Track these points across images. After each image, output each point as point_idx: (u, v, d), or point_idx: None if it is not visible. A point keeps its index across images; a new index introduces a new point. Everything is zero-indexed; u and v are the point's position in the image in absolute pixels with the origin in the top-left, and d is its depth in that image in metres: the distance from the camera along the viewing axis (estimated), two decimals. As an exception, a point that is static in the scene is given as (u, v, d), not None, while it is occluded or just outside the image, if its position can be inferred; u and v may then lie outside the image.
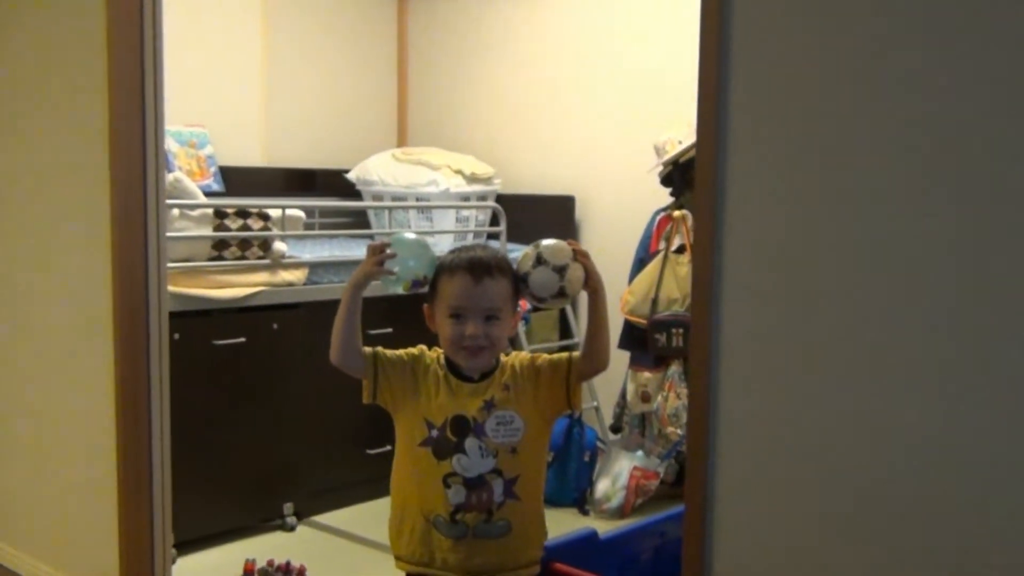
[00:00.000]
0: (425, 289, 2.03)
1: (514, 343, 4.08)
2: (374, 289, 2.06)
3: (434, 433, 1.97)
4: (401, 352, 2.05)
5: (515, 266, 2.03)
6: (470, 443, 1.95)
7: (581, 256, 2.00)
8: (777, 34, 1.56)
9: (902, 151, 1.44)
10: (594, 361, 2.01)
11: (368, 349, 2.02)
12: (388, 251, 1.97)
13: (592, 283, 2.00)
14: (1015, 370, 1.36)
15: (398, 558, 2.03)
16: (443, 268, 2.00)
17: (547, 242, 2.01)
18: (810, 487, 1.55)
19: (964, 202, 1.39)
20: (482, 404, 1.97)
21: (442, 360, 2.03)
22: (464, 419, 1.96)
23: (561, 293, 1.99)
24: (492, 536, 1.96)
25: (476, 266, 1.96)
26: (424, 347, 2.07)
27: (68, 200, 2.66)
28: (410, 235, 2.06)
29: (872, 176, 1.47)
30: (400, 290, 2.01)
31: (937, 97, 1.41)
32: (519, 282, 2.01)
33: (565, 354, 2.05)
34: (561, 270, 1.97)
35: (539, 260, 1.99)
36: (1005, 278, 1.37)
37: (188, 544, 3.32)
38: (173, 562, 2.95)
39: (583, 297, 2.04)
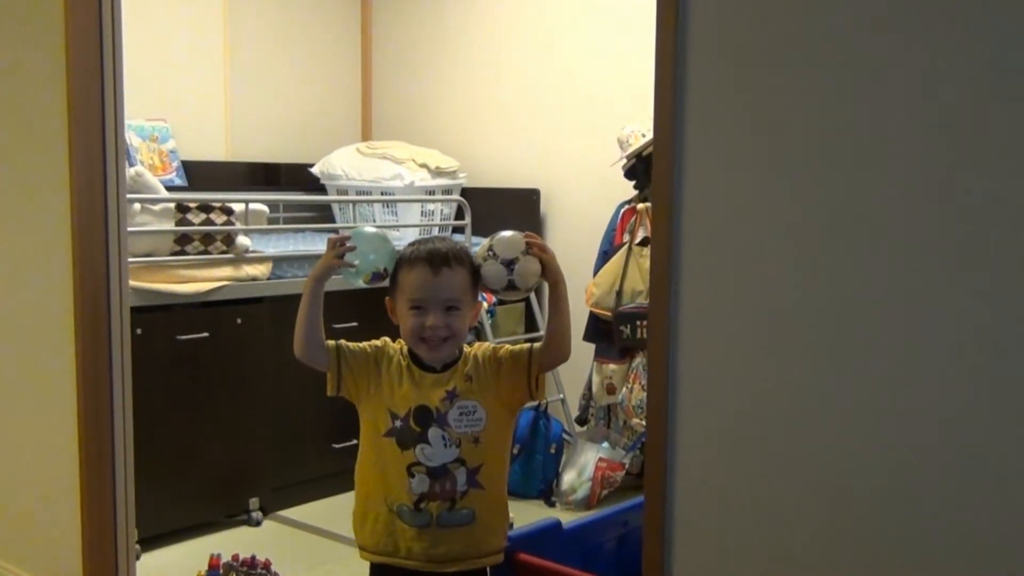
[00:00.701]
0: (386, 282, 2.04)
1: (479, 336, 4.10)
2: (338, 284, 2.07)
3: (398, 423, 1.98)
4: (364, 344, 2.06)
5: (475, 256, 2.05)
6: (433, 433, 1.97)
7: (537, 249, 2.01)
8: (733, 26, 1.58)
9: (862, 135, 1.46)
10: (555, 352, 2.03)
11: (331, 342, 2.03)
12: (348, 244, 1.98)
13: (551, 276, 2.01)
14: (983, 350, 1.39)
15: (362, 548, 2.04)
16: (403, 261, 2.02)
17: (501, 235, 2.03)
18: (770, 475, 1.58)
19: (926, 176, 1.42)
20: (444, 395, 1.98)
21: (405, 351, 2.04)
22: (427, 409, 1.98)
23: (511, 286, 2.00)
24: (456, 525, 1.97)
25: (435, 258, 1.97)
26: (387, 339, 2.08)
27: (27, 195, 2.63)
28: (370, 229, 2.07)
29: (830, 162, 1.49)
30: (361, 283, 2.02)
31: (895, 76, 1.43)
32: (477, 274, 2.03)
33: (527, 345, 2.07)
34: (510, 264, 1.98)
35: (490, 252, 2.01)
36: (965, 256, 1.39)
37: (152, 540, 3.30)
38: (137, 558, 2.94)
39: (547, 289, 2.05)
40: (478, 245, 2.13)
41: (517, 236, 2.02)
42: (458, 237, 4.19)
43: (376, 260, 1.99)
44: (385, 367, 2.03)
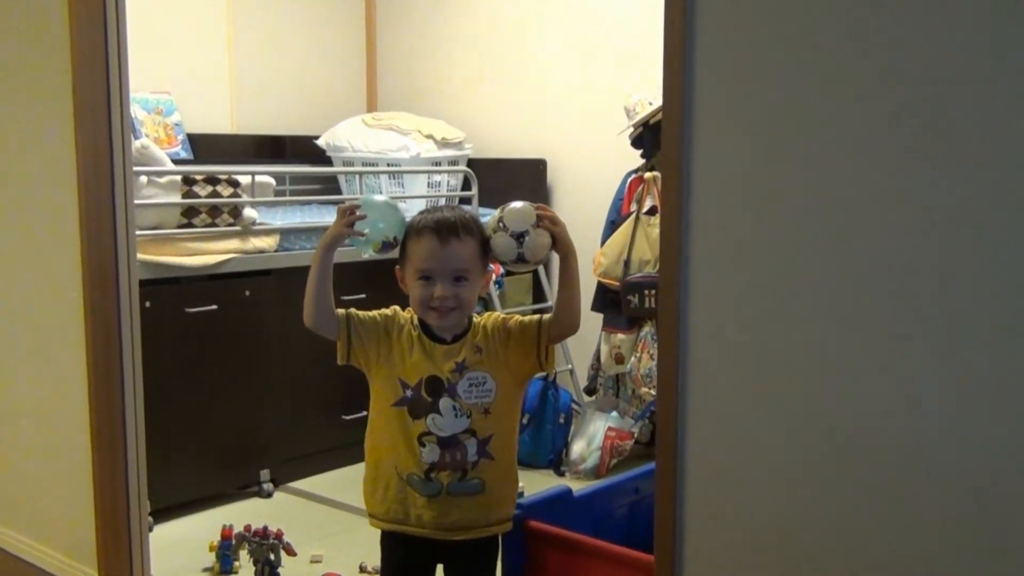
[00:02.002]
0: (395, 252, 2.04)
1: (487, 306, 4.10)
2: (347, 255, 2.07)
3: (408, 393, 1.99)
4: (374, 313, 2.06)
5: (485, 226, 2.04)
6: (444, 403, 1.97)
7: (548, 222, 2.00)
8: (743, -9, 1.56)
9: (878, 106, 1.45)
10: (564, 325, 2.02)
11: (341, 311, 2.04)
12: (358, 212, 1.98)
13: (562, 249, 2.00)
14: (994, 331, 1.38)
15: (372, 516, 2.05)
16: (411, 230, 2.01)
17: (513, 205, 2.01)
18: (780, 441, 1.58)
19: (940, 143, 1.41)
20: (454, 366, 1.99)
21: (415, 320, 2.04)
22: (438, 380, 1.98)
23: (520, 259, 1.99)
24: (466, 494, 1.98)
25: (443, 227, 1.97)
26: (398, 308, 2.08)
27: (34, 169, 2.63)
28: (379, 197, 2.07)
29: (842, 128, 1.48)
30: (370, 252, 2.02)
31: (910, 52, 1.42)
32: (486, 244, 2.02)
33: (536, 316, 2.06)
34: (520, 236, 1.97)
35: (500, 224, 1.99)
36: (973, 222, 1.39)
37: (164, 512, 3.32)
38: (150, 530, 2.96)
39: (557, 261, 2.04)
40: (485, 216, 2.12)
41: (528, 208, 2.01)
42: (465, 208, 4.18)
43: (386, 229, 1.99)
44: (396, 336, 2.03)
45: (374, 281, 3.34)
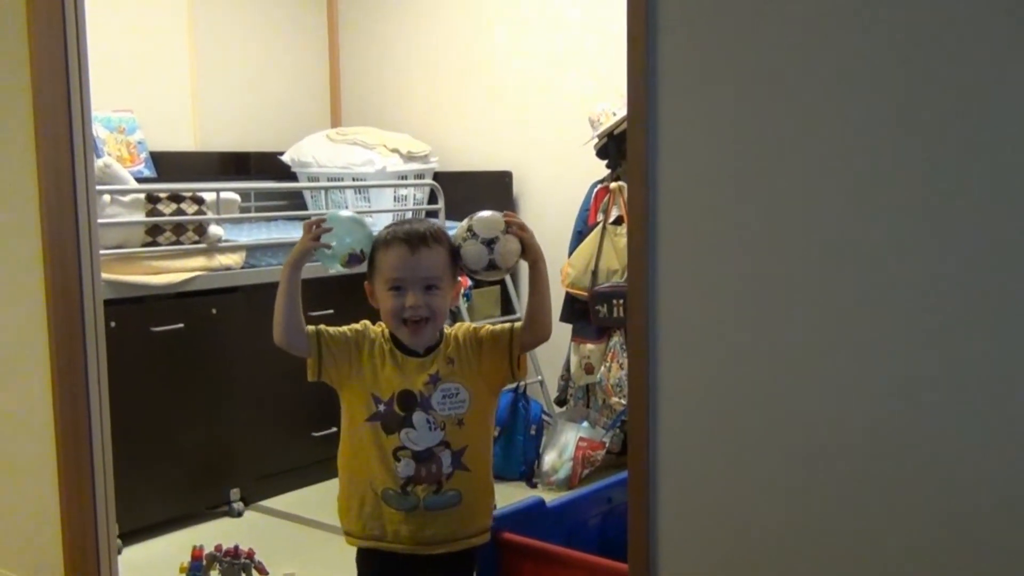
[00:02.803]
0: (363, 266, 2.03)
1: (456, 319, 4.09)
2: (315, 270, 2.06)
3: (381, 408, 1.98)
4: (344, 328, 2.06)
5: (453, 237, 2.04)
6: (418, 417, 1.97)
7: (517, 228, 2.00)
8: (705, 1, 1.57)
9: (837, 102, 1.47)
10: (535, 331, 2.03)
11: (311, 327, 2.03)
12: (324, 226, 1.98)
13: (531, 255, 2.01)
14: (960, 314, 1.40)
15: (348, 534, 2.04)
16: (379, 242, 2.01)
17: (481, 214, 2.02)
18: (753, 448, 1.59)
19: (903, 140, 1.43)
20: (428, 378, 1.98)
21: (387, 334, 2.03)
22: (411, 394, 1.97)
23: (492, 266, 2.00)
24: (442, 507, 1.98)
25: (412, 237, 1.97)
26: (368, 322, 2.08)
27: (-6, 189, 2.60)
28: (345, 212, 2.07)
29: (805, 131, 1.50)
30: (338, 267, 2.01)
31: (871, 42, 1.44)
32: (455, 254, 2.02)
33: (507, 324, 2.06)
34: (490, 243, 1.98)
35: (470, 232, 2.00)
36: (940, 222, 1.40)
37: (133, 534, 3.28)
38: (119, 552, 2.92)
39: (525, 271, 2.05)
40: (452, 229, 2.12)
41: (496, 215, 2.02)
42: (432, 221, 4.17)
43: (352, 243, 1.99)
44: (367, 351, 2.02)
45: (343, 296, 3.32)
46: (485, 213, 2.02)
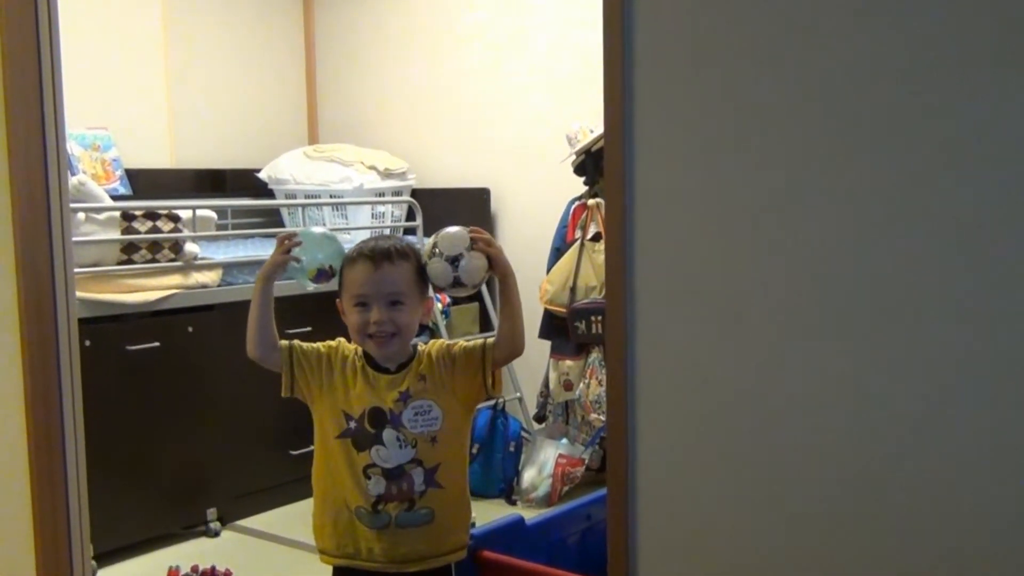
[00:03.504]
0: (334, 282, 2.03)
1: (434, 336, 4.08)
2: (292, 288, 2.05)
3: (352, 425, 1.97)
4: (318, 344, 2.05)
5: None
6: (388, 434, 1.96)
7: (483, 244, 2.00)
8: (680, 19, 1.58)
9: (811, 120, 1.48)
10: (509, 346, 2.02)
11: (284, 342, 2.03)
12: (295, 240, 1.99)
13: (499, 270, 2.01)
14: (948, 332, 1.41)
15: (323, 552, 2.03)
16: (347, 260, 2.02)
17: (445, 231, 2.02)
18: (732, 464, 1.59)
19: (876, 157, 1.44)
20: (398, 395, 1.98)
21: (360, 352, 2.03)
22: (381, 411, 1.97)
23: (457, 283, 1.99)
24: (415, 524, 1.96)
25: (376, 253, 1.98)
26: (343, 339, 2.07)
27: (-33, 207, 2.57)
28: (318, 229, 2.08)
29: (782, 147, 1.50)
30: (309, 283, 2.02)
31: (840, 63, 1.45)
32: (423, 270, 2.02)
33: (480, 340, 2.06)
34: (454, 260, 1.97)
35: (434, 249, 2.00)
36: (918, 238, 1.41)
37: (109, 555, 3.25)
38: (94, 574, 2.89)
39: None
40: (427, 245, 2.12)
41: (461, 232, 2.01)
42: (410, 238, 4.17)
43: (323, 259, 2.00)
44: (339, 367, 2.02)
45: (320, 313, 3.30)
46: (451, 229, 2.02)
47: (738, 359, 1.56)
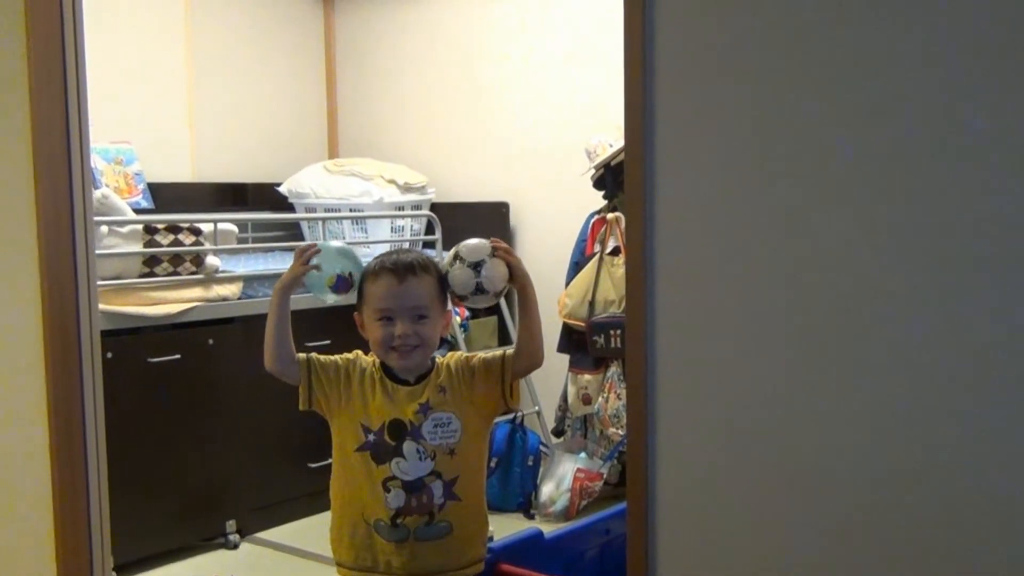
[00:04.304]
0: (352, 291, 2.04)
1: (452, 349, 4.08)
2: (312, 302, 2.06)
3: (371, 437, 1.97)
4: (336, 357, 2.06)
5: (442, 266, 2.05)
6: (408, 446, 1.96)
7: (502, 252, 2.01)
8: (700, 33, 1.59)
9: (832, 136, 1.48)
10: (528, 357, 2.02)
11: (302, 355, 2.03)
12: (313, 250, 2.00)
13: (518, 279, 2.02)
14: (965, 349, 1.40)
15: (340, 564, 2.03)
16: (368, 272, 2.02)
17: (467, 241, 2.04)
18: (751, 479, 1.58)
19: (899, 173, 1.43)
20: (418, 407, 1.98)
21: (378, 364, 2.03)
22: (401, 423, 1.97)
23: (480, 289, 2.00)
24: (434, 538, 1.96)
25: (399, 267, 1.98)
26: (360, 352, 2.07)
27: (-8, 220, 2.60)
28: (335, 243, 2.09)
29: (802, 164, 1.50)
30: (327, 294, 2.02)
31: (864, 76, 1.45)
32: (444, 282, 2.02)
33: (499, 351, 2.06)
34: (476, 266, 1.99)
35: (456, 257, 2.01)
36: (943, 256, 1.41)
37: (129, 567, 3.26)
38: (113, 585, 2.90)
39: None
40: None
41: (483, 241, 2.03)
42: (429, 252, 4.18)
43: (341, 268, 2.01)
44: (357, 380, 2.02)
45: (337, 327, 3.31)
46: (471, 240, 2.04)
47: (758, 374, 1.56)
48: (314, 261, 1.99)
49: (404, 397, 1.99)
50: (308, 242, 2.12)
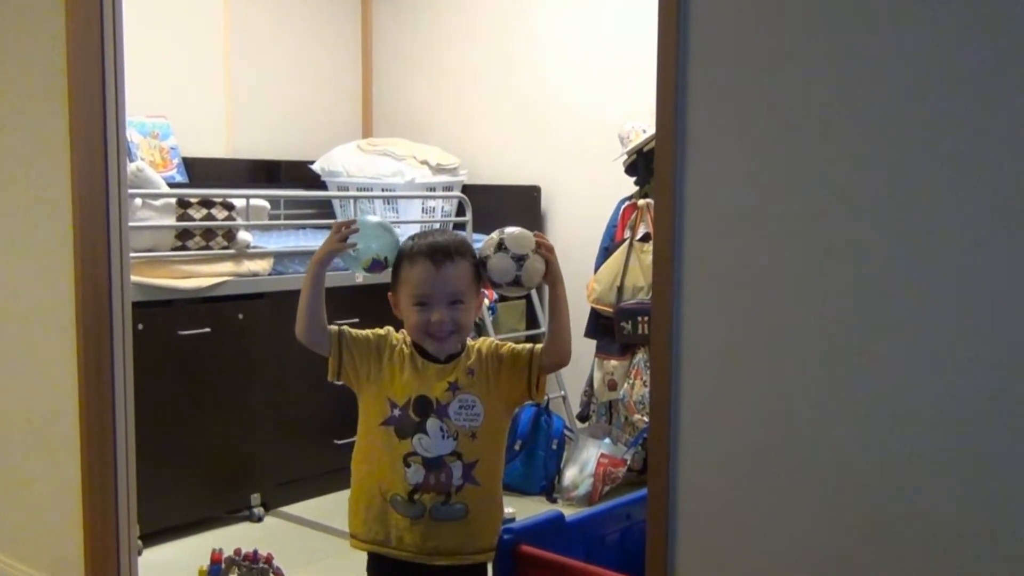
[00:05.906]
0: (385, 273, 2.05)
1: (480, 332, 4.10)
2: (342, 279, 2.07)
3: (396, 412, 1.98)
4: (367, 331, 2.07)
5: (479, 249, 2.04)
6: (432, 424, 1.97)
7: (545, 249, 2.01)
8: (735, 20, 1.58)
9: (869, 127, 1.46)
10: (555, 356, 2.02)
11: (333, 327, 2.04)
12: (352, 228, 2.00)
13: (551, 277, 2.02)
14: (987, 351, 1.39)
15: (353, 536, 2.04)
16: (403, 255, 2.02)
17: (512, 229, 2.02)
18: (774, 468, 1.58)
19: (931, 172, 1.42)
20: (447, 386, 1.99)
21: (409, 340, 2.04)
22: (427, 400, 1.98)
23: (516, 282, 2.00)
24: (449, 519, 1.97)
25: (436, 252, 1.97)
26: (391, 328, 2.08)
27: (29, 190, 2.64)
28: (375, 218, 2.09)
29: (834, 156, 1.49)
30: (360, 271, 2.03)
31: (901, 66, 1.43)
32: (480, 265, 2.02)
33: (528, 345, 2.06)
34: (520, 259, 1.98)
35: (500, 246, 2.00)
36: (969, 257, 1.40)
37: (154, 536, 3.30)
38: (139, 553, 2.94)
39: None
40: (478, 242, 2.12)
41: (528, 234, 2.02)
42: (460, 234, 4.19)
43: (378, 249, 2.00)
44: (388, 355, 2.03)
45: (367, 305, 3.33)
46: (516, 229, 2.02)
47: (783, 365, 1.56)
48: (352, 239, 1.99)
49: (434, 375, 2.00)
50: (346, 219, 2.11)
